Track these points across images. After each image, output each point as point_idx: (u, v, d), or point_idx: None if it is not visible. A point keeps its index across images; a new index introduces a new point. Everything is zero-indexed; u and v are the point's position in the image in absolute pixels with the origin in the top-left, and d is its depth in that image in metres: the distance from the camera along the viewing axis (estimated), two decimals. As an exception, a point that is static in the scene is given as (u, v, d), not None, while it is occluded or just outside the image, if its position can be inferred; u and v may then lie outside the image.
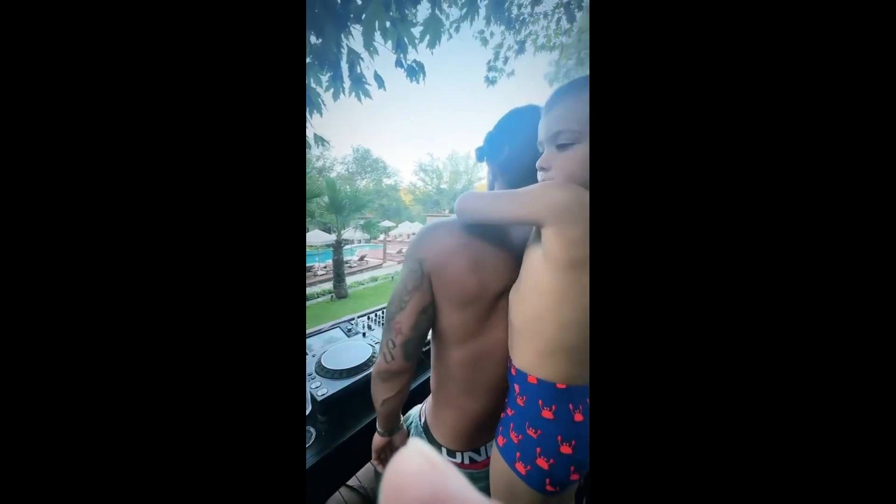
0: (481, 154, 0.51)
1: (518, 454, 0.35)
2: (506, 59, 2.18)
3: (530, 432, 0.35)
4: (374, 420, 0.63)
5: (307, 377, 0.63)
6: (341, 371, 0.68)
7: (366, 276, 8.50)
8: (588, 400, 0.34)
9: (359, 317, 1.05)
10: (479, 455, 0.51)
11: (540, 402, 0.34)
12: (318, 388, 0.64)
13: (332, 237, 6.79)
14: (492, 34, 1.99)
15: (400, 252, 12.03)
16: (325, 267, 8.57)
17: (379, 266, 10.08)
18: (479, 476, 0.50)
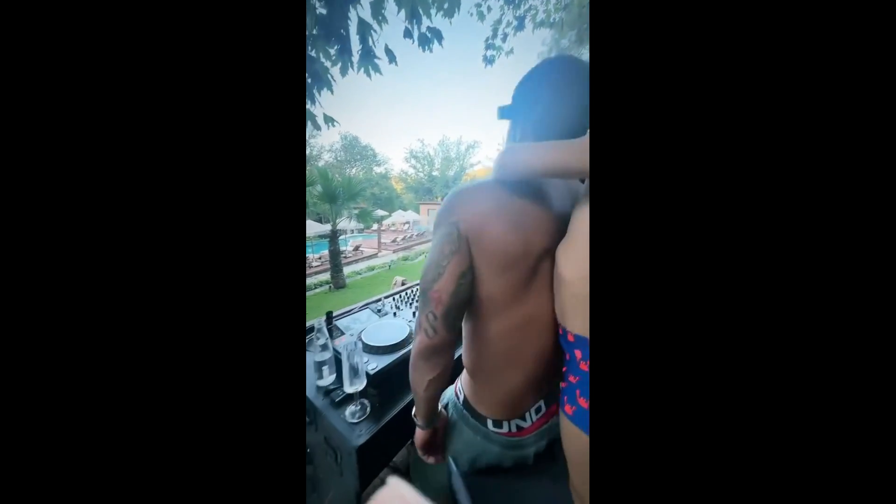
0: (506, 112, 0.47)
1: None
2: (504, 36, 2.12)
3: None
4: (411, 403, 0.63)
5: (355, 352, 0.66)
6: (385, 347, 0.71)
7: (362, 265, 8.47)
8: None
9: (385, 297, 1.08)
10: (525, 421, 0.49)
11: None
12: (368, 363, 0.67)
13: (326, 227, 6.67)
14: (489, 8, 1.92)
15: (394, 241, 11.96)
16: (319, 258, 8.48)
17: (374, 255, 10.05)
18: (526, 443, 0.50)
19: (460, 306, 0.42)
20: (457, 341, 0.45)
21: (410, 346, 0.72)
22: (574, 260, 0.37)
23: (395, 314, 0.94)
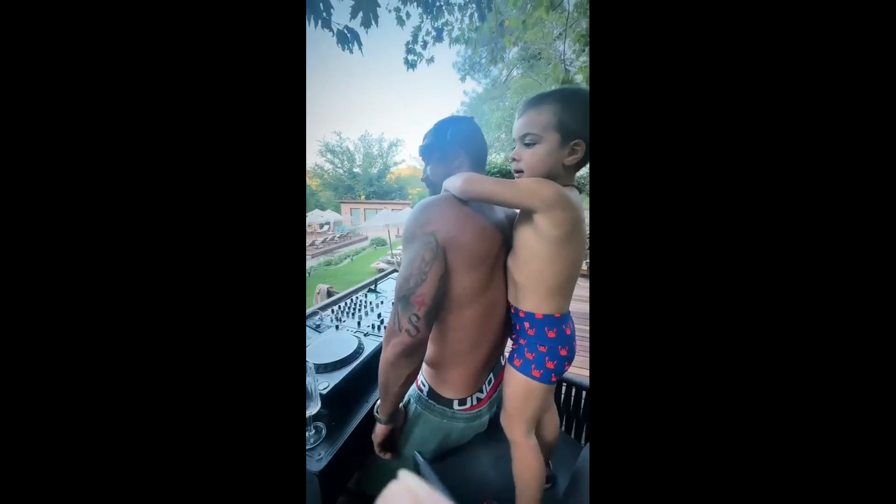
0: (423, 152, 0.63)
1: (533, 366, 0.52)
2: (425, 44, 2.19)
3: (541, 349, 0.52)
4: (372, 407, 0.66)
5: (309, 374, 0.62)
6: (335, 363, 0.69)
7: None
8: (570, 321, 0.54)
9: (321, 310, 1.01)
10: (482, 393, 0.61)
11: (546, 328, 0.52)
12: (319, 384, 0.64)
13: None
14: (408, 14, 1.97)
15: (313, 244, 10.74)
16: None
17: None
18: (483, 412, 0.62)
19: (438, 305, 0.50)
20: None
21: (360, 359, 0.73)
22: (520, 266, 0.52)
23: (336, 327, 0.90)
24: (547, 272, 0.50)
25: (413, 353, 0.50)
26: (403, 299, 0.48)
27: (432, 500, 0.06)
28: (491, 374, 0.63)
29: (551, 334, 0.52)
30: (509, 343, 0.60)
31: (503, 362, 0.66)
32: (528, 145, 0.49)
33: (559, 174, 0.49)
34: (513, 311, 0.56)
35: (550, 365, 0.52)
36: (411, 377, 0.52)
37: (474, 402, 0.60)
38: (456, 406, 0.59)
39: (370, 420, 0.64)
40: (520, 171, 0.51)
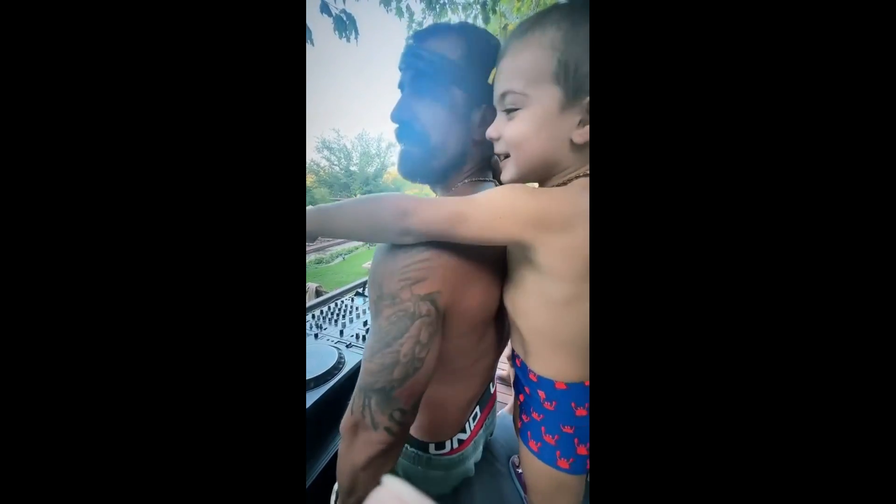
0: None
1: (558, 453, 0.35)
2: (427, 42, 2.14)
3: (566, 430, 0.35)
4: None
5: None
6: (312, 380, 0.61)
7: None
8: None
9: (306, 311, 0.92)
10: (465, 433, 0.47)
11: (573, 403, 0.34)
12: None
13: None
14: (408, 8, 1.91)
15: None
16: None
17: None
18: (467, 454, 0.48)
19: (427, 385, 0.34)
20: None
21: (340, 376, 0.64)
22: (525, 314, 0.34)
23: (316, 336, 0.81)
24: (569, 324, 0.30)
25: (393, 450, 0.34)
26: (381, 392, 0.31)
27: None
28: (477, 408, 0.48)
29: (581, 412, 0.33)
30: (503, 359, 0.49)
31: (493, 390, 0.52)
32: (509, 112, 0.29)
33: (563, 158, 0.28)
34: (518, 363, 0.39)
35: (583, 450, 0.34)
36: (383, 473, 0.35)
37: (455, 445, 0.45)
38: (433, 450, 0.45)
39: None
40: (505, 155, 0.31)
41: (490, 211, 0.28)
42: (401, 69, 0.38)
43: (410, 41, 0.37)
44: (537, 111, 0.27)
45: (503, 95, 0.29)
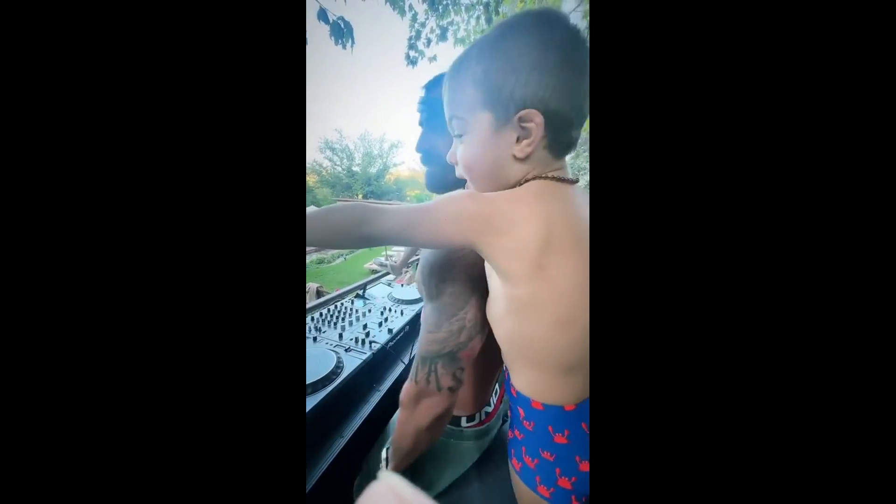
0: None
1: (538, 478, 0.33)
2: (428, 42, 2.14)
3: (546, 455, 0.32)
4: (355, 434, 0.57)
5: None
6: (309, 386, 0.60)
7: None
8: None
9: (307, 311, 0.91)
10: (490, 406, 0.54)
11: (550, 428, 0.31)
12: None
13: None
14: (411, 7, 1.91)
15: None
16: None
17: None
18: (492, 426, 0.54)
19: None
20: None
21: (338, 381, 0.64)
22: (498, 324, 0.34)
23: (315, 339, 0.80)
24: (529, 333, 0.30)
25: (450, 410, 0.39)
26: (449, 355, 0.36)
27: (417, 500, 0.06)
28: (496, 385, 0.57)
29: (560, 439, 0.31)
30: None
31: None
32: (458, 137, 0.32)
33: (513, 172, 0.30)
34: (506, 374, 0.39)
35: (565, 483, 0.31)
36: (441, 431, 0.42)
37: (483, 417, 0.53)
38: (464, 423, 0.52)
39: (345, 461, 0.55)
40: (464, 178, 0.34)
41: (436, 216, 0.29)
42: (418, 111, 0.51)
43: (422, 91, 0.50)
44: (478, 135, 0.30)
45: (450, 121, 0.32)
